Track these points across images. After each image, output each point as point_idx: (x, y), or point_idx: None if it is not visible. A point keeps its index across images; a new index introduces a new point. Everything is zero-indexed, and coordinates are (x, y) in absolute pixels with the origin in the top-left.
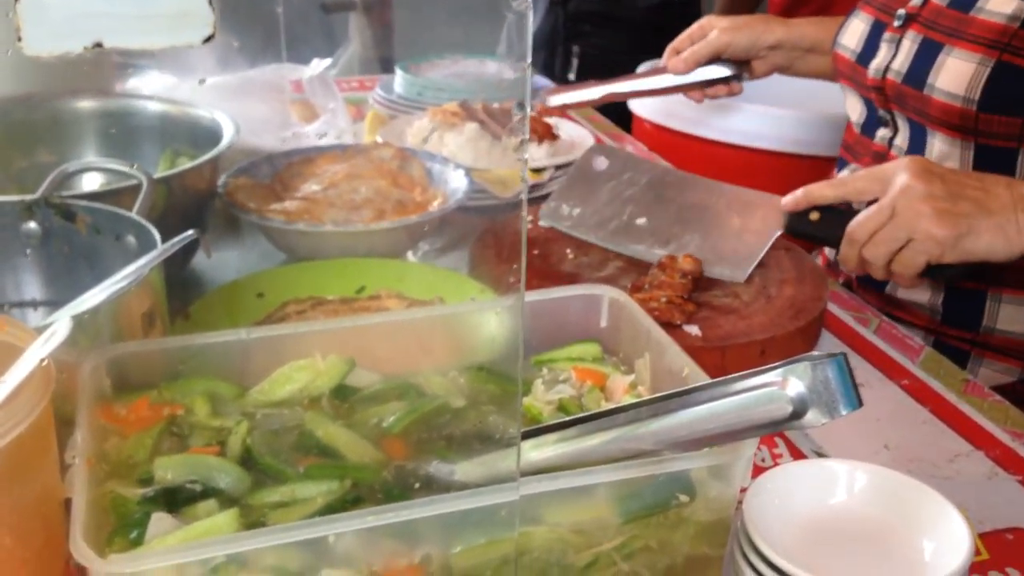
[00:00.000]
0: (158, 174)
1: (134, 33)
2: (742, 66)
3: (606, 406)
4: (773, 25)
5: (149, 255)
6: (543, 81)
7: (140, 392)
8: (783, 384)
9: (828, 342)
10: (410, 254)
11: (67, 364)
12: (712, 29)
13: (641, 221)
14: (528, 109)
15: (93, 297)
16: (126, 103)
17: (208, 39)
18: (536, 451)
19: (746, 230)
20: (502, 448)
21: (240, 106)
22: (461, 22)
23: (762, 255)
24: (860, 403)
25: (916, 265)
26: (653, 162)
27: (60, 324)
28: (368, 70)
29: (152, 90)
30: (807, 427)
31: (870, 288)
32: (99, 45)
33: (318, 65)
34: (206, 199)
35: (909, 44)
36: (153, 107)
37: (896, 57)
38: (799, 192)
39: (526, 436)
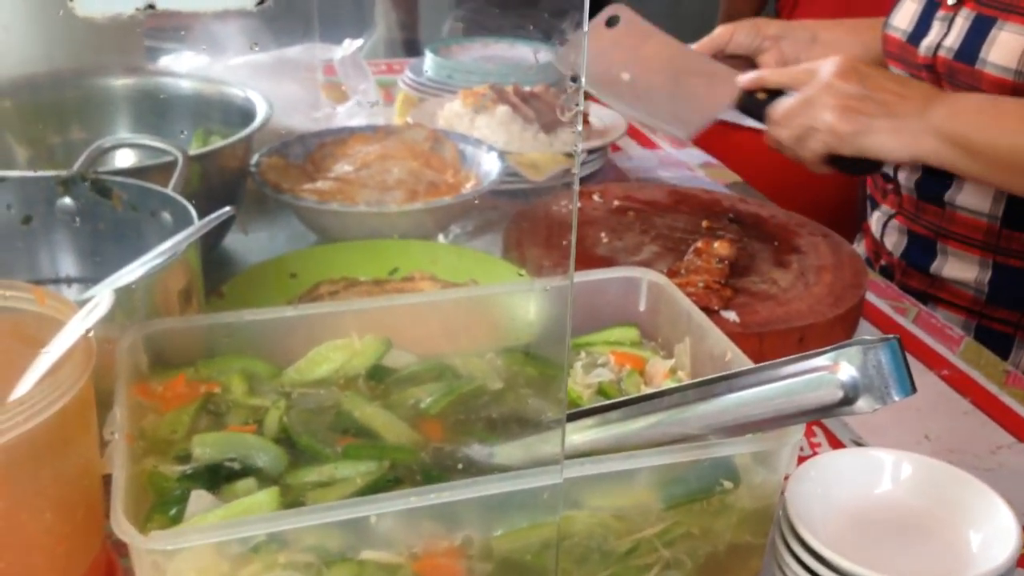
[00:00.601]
0: (192, 151)
1: None
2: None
3: (646, 390)
4: (770, 21)
5: (186, 231)
6: None
7: (177, 369)
8: (833, 368)
9: (866, 331)
10: (441, 236)
11: (105, 340)
12: None
13: (625, 76)
14: (583, 81)
15: (130, 273)
16: (158, 81)
17: (261, 2)
18: (578, 434)
19: (703, 95)
20: (543, 431)
21: (272, 85)
22: (488, 5)
23: (709, 121)
24: (914, 388)
25: (814, 151)
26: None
27: (102, 297)
28: (393, 53)
29: (185, 69)
30: (858, 413)
31: (913, 268)
32: (151, 7)
33: (350, 45)
34: (239, 178)
35: (962, 22)
36: (185, 85)
37: (948, 35)
38: (753, 73)
39: (568, 419)
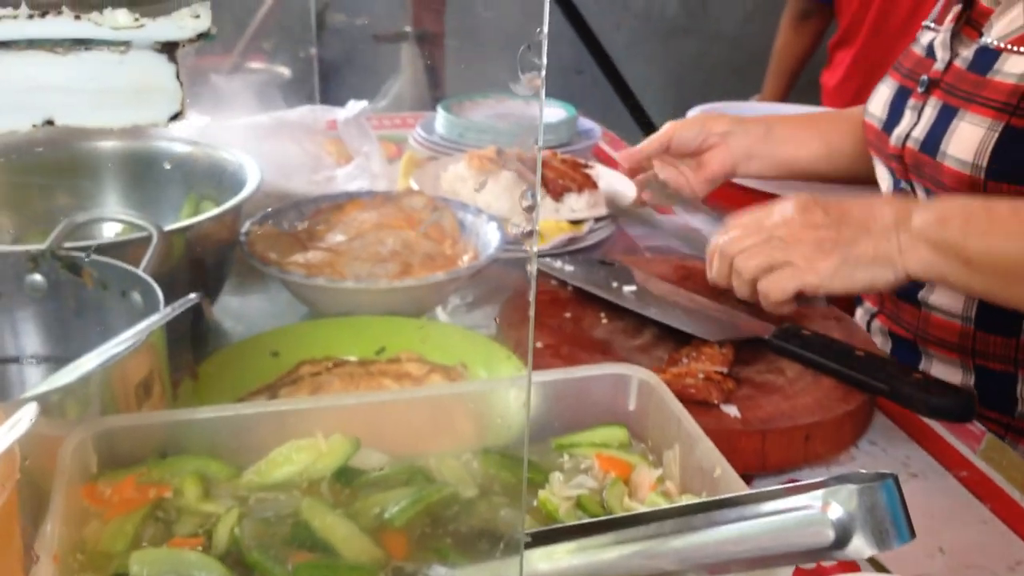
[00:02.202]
0: (171, 225)
1: (91, 109)
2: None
3: (629, 503)
4: (720, 116)
5: (146, 321)
6: (589, 124)
7: (128, 470)
8: (824, 508)
9: (881, 425)
10: (440, 308)
11: (55, 438)
12: None
13: None
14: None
15: (86, 363)
16: (149, 144)
17: (175, 117)
18: (546, 562)
19: None
20: (507, 554)
21: (272, 147)
22: (513, 58)
23: None
24: (912, 534)
25: (785, 290)
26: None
27: (26, 411)
28: (418, 103)
29: (184, 130)
30: (851, 558)
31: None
32: (50, 123)
33: (354, 107)
34: (228, 248)
35: (930, 111)
36: (178, 149)
37: (917, 124)
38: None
39: (537, 541)
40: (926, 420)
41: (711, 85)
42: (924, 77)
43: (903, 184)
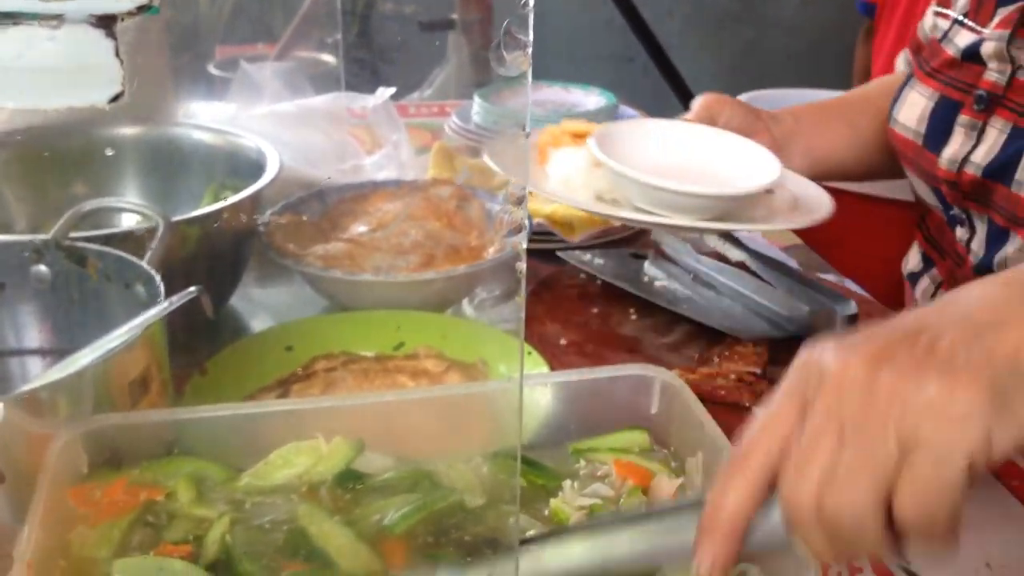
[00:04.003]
0: (179, 216)
1: (22, 89)
2: None
3: None
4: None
5: (143, 315)
6: (630, 112)
7: (120, 472)
8: None
9: None
10: (465, 301)
11: (39, 438)
12: None
13: None
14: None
15: (79, 359)
16: (169, 131)
17: (116, 98)
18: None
19: None
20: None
21: (299, 135)
22: (560, 46)
23: None
24: None
25: (953, 480)
26: None
27: None
28: (463, 92)
29: (213, 118)
30: None
31: None
32: None
33: (382, 94)
34: (246, 238)
35: (995, 133)
36: (198, 136)
37: (978, 148)
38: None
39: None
40: None
41: (765, 74)
42: (982, 92)
43: (955, 211)
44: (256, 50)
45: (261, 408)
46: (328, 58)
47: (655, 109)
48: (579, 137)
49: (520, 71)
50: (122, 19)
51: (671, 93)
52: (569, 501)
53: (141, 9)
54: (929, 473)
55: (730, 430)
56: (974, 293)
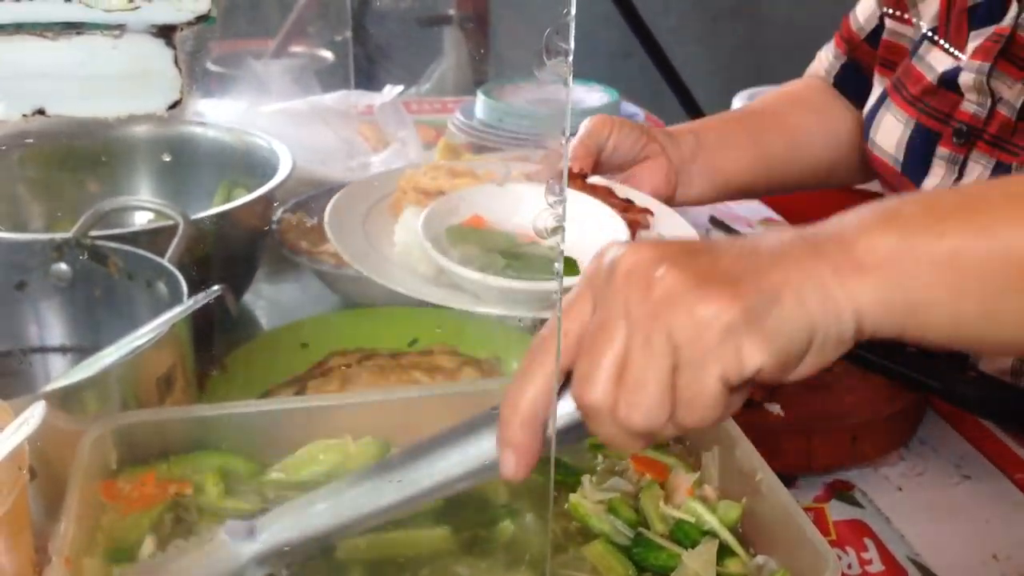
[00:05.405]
0: (197, 214)
1: (84, 97)
2: None
3: (664, 508)
4: (654, 128)
5: (168, 313)
6: (633, 109)
7: (148, 466)
8: None
9: (932, 423)
10: None
11: (69, 434)
12: None
13: None
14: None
15: (106, 357)
16: (182, 130)
17: (174, 106)
18: None
19: None
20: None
21: (307, 133)
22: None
23: None
24: None
25: (710, 390)
26: None
27: (33, 410)
28: (462, 88)
29: (219, 114)
30: None
31: None
32: (40, 112)
33: (390, 91)
34: (259, 236)
35: (978, 168)
36: (211, 134)
37: (960, 183)
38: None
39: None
40: (981, 419)
41: (761, 69)
42: (962, 126)
43: None
44: (253, 45)
45: (286, 404)
46: (326, 54)
47: (653, 105)
48: (427, 195)
49: (560, 77)
50: (181, 29)
51: (669, 90)
52: (589, 496)
53: (200, 19)
54: (692, 383)
55: (743, 424)
56: (771, 236)
